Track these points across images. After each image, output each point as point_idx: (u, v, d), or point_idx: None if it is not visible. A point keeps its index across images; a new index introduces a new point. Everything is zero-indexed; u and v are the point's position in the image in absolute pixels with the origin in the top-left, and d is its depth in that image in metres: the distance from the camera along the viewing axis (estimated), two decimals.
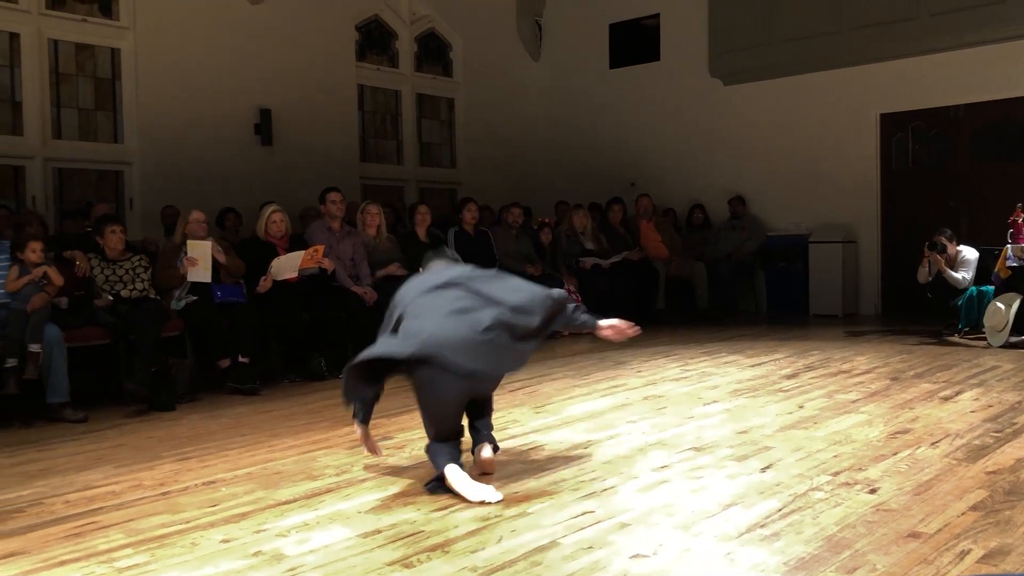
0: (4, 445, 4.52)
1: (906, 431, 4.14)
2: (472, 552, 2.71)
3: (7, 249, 5.33)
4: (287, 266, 6.35)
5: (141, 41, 8.44)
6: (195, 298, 5.96)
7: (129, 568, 2.68)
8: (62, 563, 2.75)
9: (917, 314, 8.49)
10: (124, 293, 5.73)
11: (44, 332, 5.07)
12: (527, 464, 3.75)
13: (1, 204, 6.90)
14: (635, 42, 11.36)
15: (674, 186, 10.78)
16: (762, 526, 2.87)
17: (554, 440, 4.18)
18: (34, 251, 5.26)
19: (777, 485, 3.32)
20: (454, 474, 3.26)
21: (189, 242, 6.07)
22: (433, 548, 2.75)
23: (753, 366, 6.22)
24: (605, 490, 3.33)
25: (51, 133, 8.05)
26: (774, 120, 10.14)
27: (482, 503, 3.16)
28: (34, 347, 5.01)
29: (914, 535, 2.75)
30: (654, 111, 11.07)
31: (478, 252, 8.04)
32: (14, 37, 7.84)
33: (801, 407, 4.76)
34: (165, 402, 5.34)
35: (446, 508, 3.14)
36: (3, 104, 7.83)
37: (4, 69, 7.82)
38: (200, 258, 6.02)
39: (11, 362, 4.97)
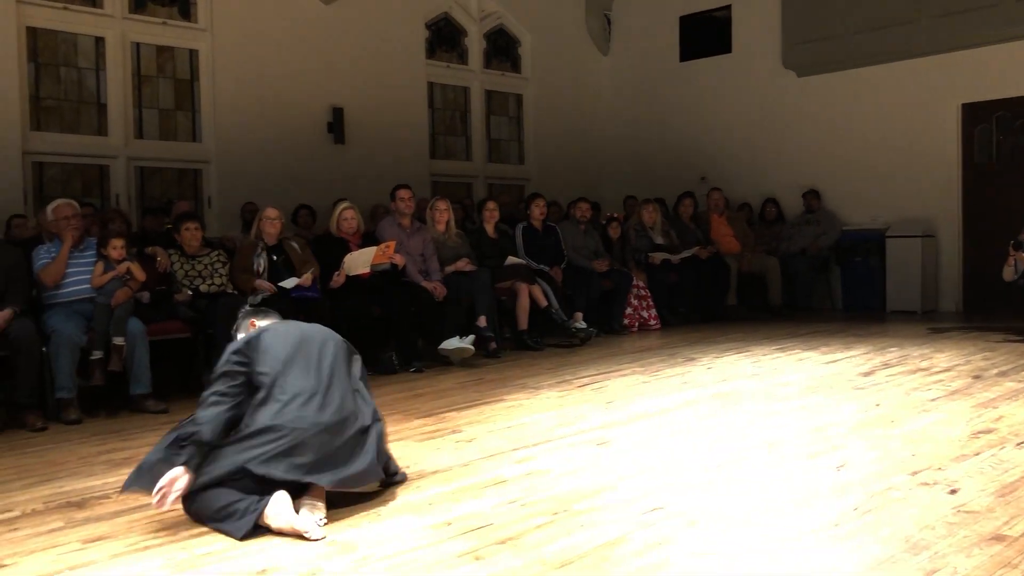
0: (92, 434, 4.70)
1: (989, 431, 4.00)
2: (541, 545, 2.72)
3: (93, 246, 5.53)
4: (359, 262, 6.47)
5: (218, 43, 8.66)
6: (269, 293, 6.09)
7: (206, 555, 2.76)
8: (145, 548, 2.85)
9: (1001, 311, 8.19)
10: (203, 288, 5.90)
11: (128, 325, 5.24)
12: (595, 460, 3.74)
13: (87, 202, 7.15)
14: (706, 34, 11.20)
15: (746, 180, 10.61)
16: (836, 525, 2.81)
17: (622, 436, 4.16)
18: (115, 248, 5.44)
19: (852, 484, 3.24)
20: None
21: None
22: (503, 541, 2.77)
23: (828, 363, 6.09)
24: (674, 486, 3.30)
25: (133, 133, 8.32)
26: (850, 112, 9.89)
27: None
28: (118, 340, 5.19)
29: (997, 538, 2.66)
30: (726, 104, 10.90)
31: (546, 248, 8.05)
32: (99, 41, 8.13)
33: (878, 405, 4.64)
34: None
35: (515, 501, 3.16)
36: (90, 106, 8.13)
37: (91, 72, 8.12)
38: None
39: (97, 354, 5.17)
